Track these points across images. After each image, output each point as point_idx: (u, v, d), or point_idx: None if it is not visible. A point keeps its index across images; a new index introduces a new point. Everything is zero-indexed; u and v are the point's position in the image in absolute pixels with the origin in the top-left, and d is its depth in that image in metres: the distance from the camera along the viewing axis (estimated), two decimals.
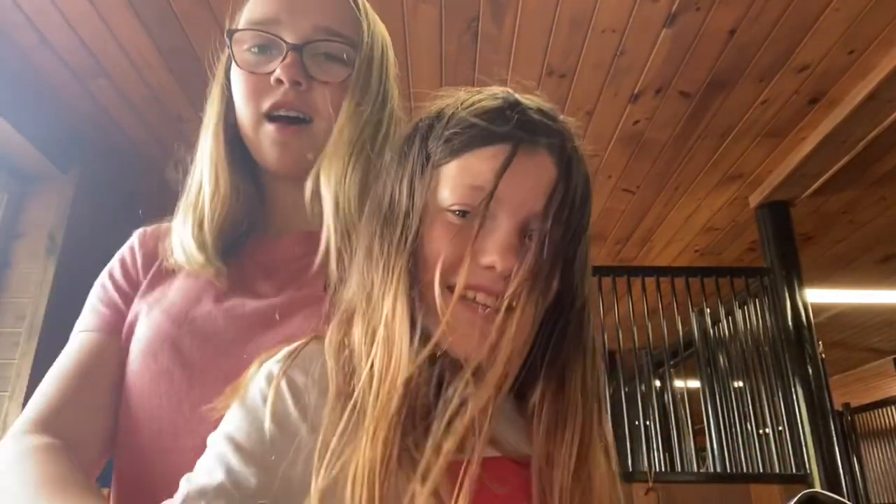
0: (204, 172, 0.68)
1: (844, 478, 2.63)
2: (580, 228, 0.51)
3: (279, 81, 0.63)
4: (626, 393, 3.35)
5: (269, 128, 0.65)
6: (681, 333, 3.32)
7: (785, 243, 3.05)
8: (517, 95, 0.52)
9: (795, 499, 1.84)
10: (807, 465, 2.66)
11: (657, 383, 4.69)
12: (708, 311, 3.17)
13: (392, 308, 0.48)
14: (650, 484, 2.56)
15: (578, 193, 0.51)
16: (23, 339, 2.36)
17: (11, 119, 2.29)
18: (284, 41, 0.63)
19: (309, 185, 0.64)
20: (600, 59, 2.24)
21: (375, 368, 0.47)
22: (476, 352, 0.47)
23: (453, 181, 0.49)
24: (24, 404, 2.27)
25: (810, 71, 2.30)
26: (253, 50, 0.66)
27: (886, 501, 6.13)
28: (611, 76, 2.33)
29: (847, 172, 2.90)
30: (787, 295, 2.92)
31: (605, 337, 3.12)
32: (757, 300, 3.03)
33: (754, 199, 3.18)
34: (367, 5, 0.70)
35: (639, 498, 2.55)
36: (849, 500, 2.33)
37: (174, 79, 2.33)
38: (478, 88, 0.54)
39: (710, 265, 3.91)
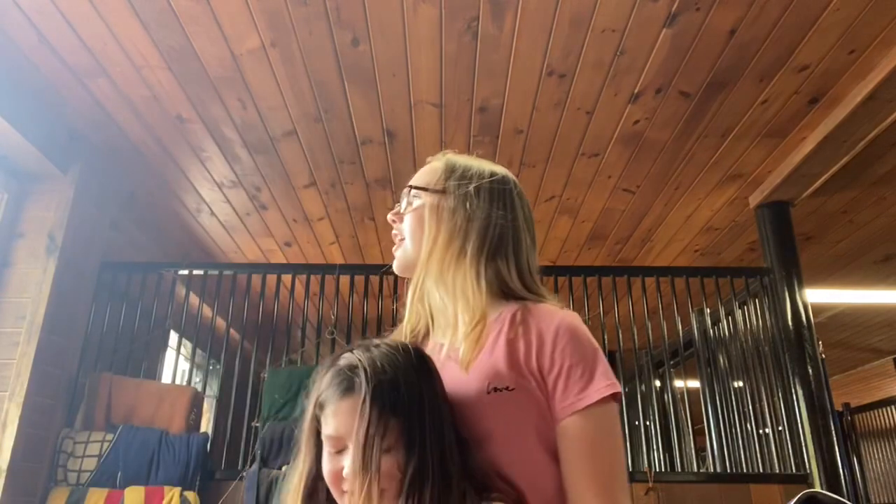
0: None
1: (844, 478, 2.63)
2: (408, 414, 0.77)
3: None
4: (626, 393, 3.34)
5: None
6: (681, 333, 3.32)
7: (785, 243, 3.05)
8: (349, 361, 0.81)
9: (795, 499, 1.84)
10: (807, 465, 2.66)
11: (657, 383, 4.69)
12: (708, 311, 3.16)
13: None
14: (650, 484, 2.56)
15: (387, 403, 0.77)
16: (23, 339, 2.36)
17: (11, 119, 2.29)
18: None
19: None
20: (600, 59, 2.24)
21: None
22: None
23: (325, 423, 0.81)
24: (23, 404, 2.27)
25: (810, 71, 2.30)
26: None
27: (886, 501, 6.13)
28: (611, 76, 2.33)
29: (847, 172, 2.90)
30: (787, 295, 2.92)
31: (606, 337, 3.12)
32: (757, 300, 3.03)
33: (754, 199, 3.18)
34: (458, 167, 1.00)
35: (639, 498, 2.55)
36: (849, 500, 2.33)
37: (174, 79, 2.33)
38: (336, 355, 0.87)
39: (710, 265, 3.92)
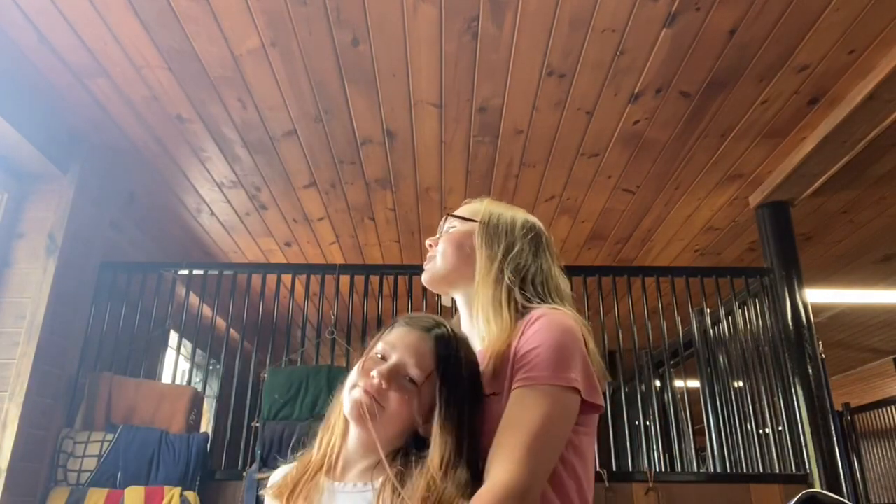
0: None
1: (844, 478, 2.63)
2: (454, 377, 0.93)
3: None
4: (626, 393, 3.35)
5: None
6: (681, 333, 3.32)
7: (785, 243, 3.05)
8: (428, 322, 0.98)
9: (795, 499, 1.84)
10: (807, 465, 2.66)
11: (657, 383, 4.69)
12: (708, 311, 3.16)
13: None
14: (650, 484, 2.56)
15: (451, 362, 0.93)
16: (23, 339, 2.36)
17: (11, 119, 2.29)
18: None
19: None
20: (600, 59, 2.24)
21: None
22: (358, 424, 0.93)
23: (383, 343, 0.97)
24: (23, 404, 2.27)
25: (810, 71, 2.30)
26: None
27: (886, 501, 6.13)
28: (611, 76, 2.33)
29: (847, 172, 2.90)
30: (787, 295, 2.92)
31: (606, 337, 3.12)
32: (757, 300, 3.03)
33: (754, 199, 3.18)
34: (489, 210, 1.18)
35: (639, 498, 2.55)
36: (849, 500, 2.33)
37: (174, 79, 2.33)
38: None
39: (710, 265, 3.92)
